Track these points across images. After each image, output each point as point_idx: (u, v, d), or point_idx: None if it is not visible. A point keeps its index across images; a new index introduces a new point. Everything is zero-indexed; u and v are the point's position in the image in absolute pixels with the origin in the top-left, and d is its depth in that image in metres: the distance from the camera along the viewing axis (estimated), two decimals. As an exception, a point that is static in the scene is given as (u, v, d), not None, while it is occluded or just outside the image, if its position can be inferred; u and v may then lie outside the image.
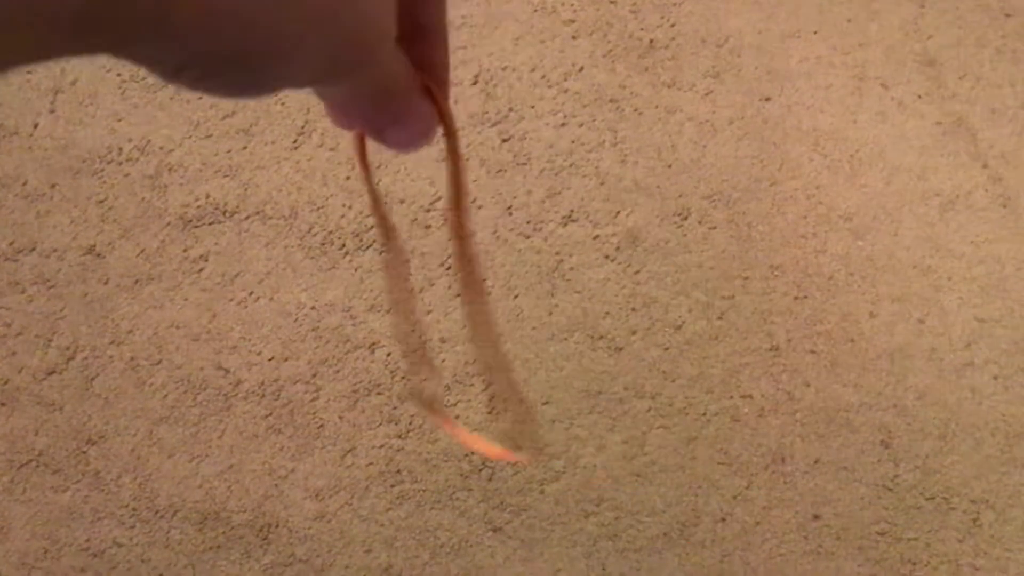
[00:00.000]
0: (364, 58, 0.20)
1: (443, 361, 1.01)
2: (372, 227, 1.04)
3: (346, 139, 1.05)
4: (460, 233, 0.25)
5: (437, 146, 1.04)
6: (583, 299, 1.01)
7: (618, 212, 1.03)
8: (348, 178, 1.04)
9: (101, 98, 1.06)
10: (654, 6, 1.07)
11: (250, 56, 0.17)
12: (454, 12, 1.07)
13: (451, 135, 0.24)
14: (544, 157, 1.04)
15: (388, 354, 1.01)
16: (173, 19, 0.15)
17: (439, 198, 1.04)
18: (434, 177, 1.04)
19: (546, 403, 1.00)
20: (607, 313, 1.02)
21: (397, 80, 0.22)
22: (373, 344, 1.01)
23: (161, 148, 1.05)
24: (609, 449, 0.99)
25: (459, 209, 0.25)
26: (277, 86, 0.19)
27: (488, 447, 0.26)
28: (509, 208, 1.03)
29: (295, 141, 1.05)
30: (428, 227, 1.03)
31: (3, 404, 1.01)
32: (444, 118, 0.24)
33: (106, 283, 1.03)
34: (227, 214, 1.04)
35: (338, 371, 1.01)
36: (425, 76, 0.23)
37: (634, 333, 1.01)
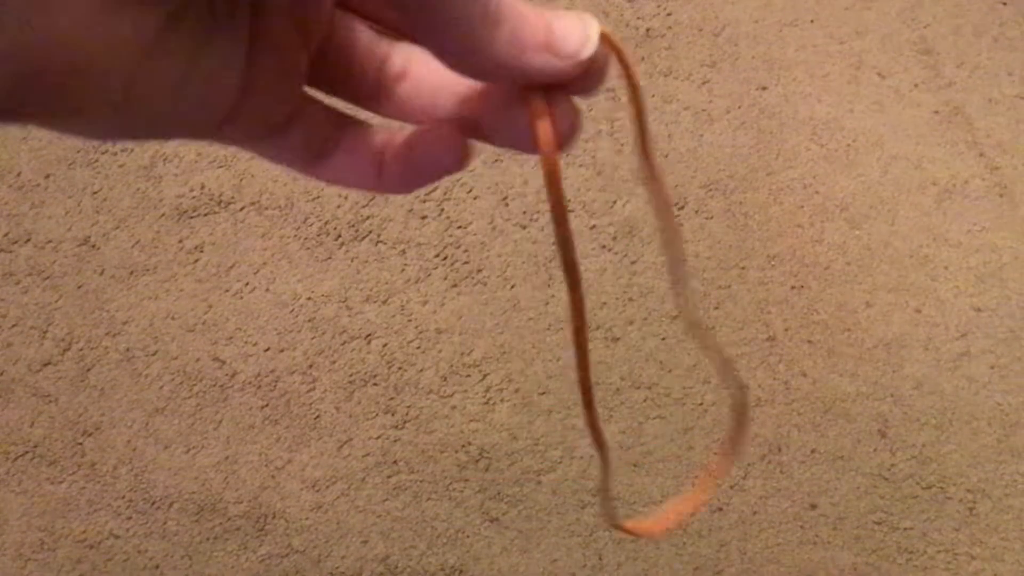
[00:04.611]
0: None
1: (440, 352, 1.01)
2: (367, 217, 1.03)
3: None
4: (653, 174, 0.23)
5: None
6: (579, 289, 1.01)
7: (615, 202, 1.03)
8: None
9: (95, 88, 1.06)
10: (650, -5, 1.07)
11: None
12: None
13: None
14: (540, 147, 1.04)
15: (384, 344, 1.01)
16: (84, 107, 0.15)
17: (435, 188, 1.03)
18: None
19: (543, 393, 1.00)
20: (604, 303, 1.01)
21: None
22: (369, 335, 1.01)
23: (156, 139, 1.05)
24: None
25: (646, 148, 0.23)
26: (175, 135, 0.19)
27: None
28: (505, 199, 1.03)
29: (290, 131, 1.04)
30: (424, 217, 1.03)
31: (-2, 396, 1.01)
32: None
33: (101, 274, 1.03)
34: (222, 204, 1.04)
35: (334, 362, 1.01)
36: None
37: (631, 323, 1.01)
